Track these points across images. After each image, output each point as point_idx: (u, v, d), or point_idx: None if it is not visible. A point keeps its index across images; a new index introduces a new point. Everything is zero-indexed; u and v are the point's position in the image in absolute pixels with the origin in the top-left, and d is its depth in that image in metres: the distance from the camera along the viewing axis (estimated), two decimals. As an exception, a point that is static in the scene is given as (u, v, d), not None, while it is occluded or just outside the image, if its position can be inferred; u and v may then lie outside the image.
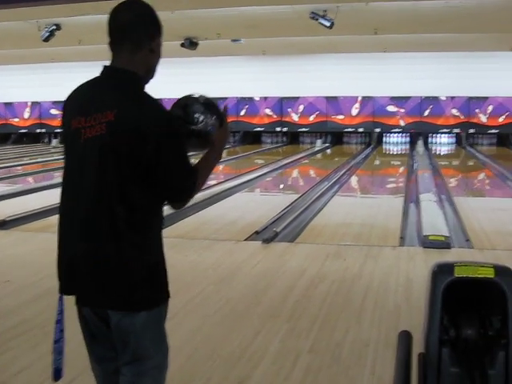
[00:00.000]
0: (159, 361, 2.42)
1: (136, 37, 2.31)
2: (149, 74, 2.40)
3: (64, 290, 2.40)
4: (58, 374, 2.45)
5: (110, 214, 2.24)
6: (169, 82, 24.45)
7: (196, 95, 2.51)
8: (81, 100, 2.36)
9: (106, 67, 2.36)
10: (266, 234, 7.23)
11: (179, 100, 2.50)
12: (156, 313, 2.35)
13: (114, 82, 2.32)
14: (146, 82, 2.40)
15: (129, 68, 2.31)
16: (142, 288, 2.30)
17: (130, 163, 2.22)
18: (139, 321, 2.31)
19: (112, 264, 2.26)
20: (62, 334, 2.45)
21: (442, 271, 2.53)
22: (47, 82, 24.79)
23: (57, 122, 24.87)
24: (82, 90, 2.40)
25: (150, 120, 2.23)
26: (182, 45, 18.03)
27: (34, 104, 26.11)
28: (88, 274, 2.29)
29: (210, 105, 2.47)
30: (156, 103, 2.33)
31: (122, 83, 2.31)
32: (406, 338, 2.66)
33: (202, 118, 2.42)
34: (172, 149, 2.30)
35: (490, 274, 2.46)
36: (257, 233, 7.45)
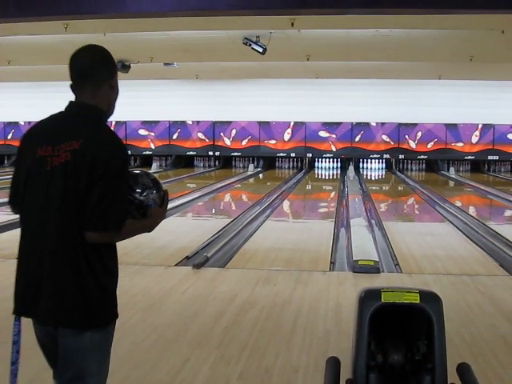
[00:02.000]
0: (101, 381, 2.50)
1: (98, 76, 2.55)
2: (110, 108, 2.61)
3: (20, 311, 2.49)
4: None
5: (73, 238, 2.38)
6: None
7: (147, 171, 2.73)
8: (47, 131, 2.51)
9: (71, 102, 2.56)
10: (197, 259, 7.18)
11: (131, 171, 2.59)
12: (105, 332, 2.47)
13: (79, 115, 2.50)
14: (108, 116, 2.60)
15: (92, 103, 2.51)
16: (96, 308, 2.43)
17: (87, 188, 2.35)
18: (88, 338, 2.41)
19: (71, 286, 2.38)
20: (19, 355, 2.51)
21: (368, 297, 2.54)
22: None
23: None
24: (48, 123, 2.57)
25: (108, 151, 2.40)
26: (115, 67, 17.87)
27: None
28: (48, 294, 2.39)
29: (156, 183, 2.67)
30: (115, 136, 2.51)
31: (86, 116, 2.50)
32: (333, 364, 2.66)
33: (146, 192, 2.57)
34: (114, 183, 2.39)
35: (415, 299, 2.48)
36: (187, 258, 7.39)
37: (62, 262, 2.39)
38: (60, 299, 2.39)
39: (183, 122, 24.43)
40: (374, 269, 6.80)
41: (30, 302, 2.44)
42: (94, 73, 2.54)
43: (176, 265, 7.11)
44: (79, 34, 12.44)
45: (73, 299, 2.38)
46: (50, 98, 24.46)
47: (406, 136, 23.54)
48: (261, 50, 13.81)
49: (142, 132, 24.71)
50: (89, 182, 2.34)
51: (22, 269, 2.49)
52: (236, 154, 24.11)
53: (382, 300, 2.51)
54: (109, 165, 2.36)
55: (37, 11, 9.20)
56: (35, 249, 2.44)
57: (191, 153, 24.62)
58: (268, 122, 23.71)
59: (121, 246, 7.71)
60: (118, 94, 2.65)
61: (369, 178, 22.07)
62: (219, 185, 17.38)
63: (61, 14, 9.45)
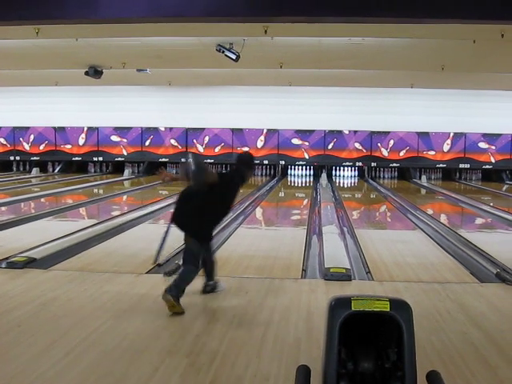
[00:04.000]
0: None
1: (247, 168, 6.17)
2: (245, 178, 6.16)
3: (175, 223, 5.81)
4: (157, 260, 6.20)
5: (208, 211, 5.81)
6: (73, 111, 24.12)
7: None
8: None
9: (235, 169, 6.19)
10: (168, 267, 7.13)
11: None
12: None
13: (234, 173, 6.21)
14: (244, 180, 6.19)
15: (242, 174, 6.11)
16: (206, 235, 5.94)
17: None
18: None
19: (200, 225, 5.77)
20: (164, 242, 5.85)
21: (339, 305, 2.53)
22: None
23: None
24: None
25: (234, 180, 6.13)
26: (86, 73, 17.76)
27: None
28: (191, 224, 5.77)
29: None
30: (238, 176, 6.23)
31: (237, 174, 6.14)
32: (303, 372, 2.64)
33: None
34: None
35: (385, 307, 2.48)
36: (159, 265, 7.33)
37: (200, 217, 5.75)
38: (195, 228, 5.75)
39: (156, 129, 24.37)
40: (345, 276, 6.80)
41: (182, 224, 5.78)
42: (247, 164, 6.21)
43: (147, 272, 7.05)
44: (51, 39, 12.35)
45: (198, 230, 5.77)
46: (18, 103, 24.38)
47: (379, 144, 23.72)
48: (234, 57, 13.83)
49: (115, 138, 24.60)
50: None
51: (182, 213, 5.85)
52: (209, 161, 24.06)
53: (352, 308, 2.50)
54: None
55: (7, 15, 9.11)
56: (189, 208, 5.78)
57: (164, 159, 24.55)
58: (241, 129, 23.75)
59: (91, 253, 7.67)
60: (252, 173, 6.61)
61: (341, 185, 22.15)
62: (192, 192, 17.26)
63: (31, 19, 9.37)
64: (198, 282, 6.64)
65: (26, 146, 25.09)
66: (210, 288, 6.23)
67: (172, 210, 5.94)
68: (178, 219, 5.84)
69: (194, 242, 5.76)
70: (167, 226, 5.78)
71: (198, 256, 5.77)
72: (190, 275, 5.70)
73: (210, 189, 5.67)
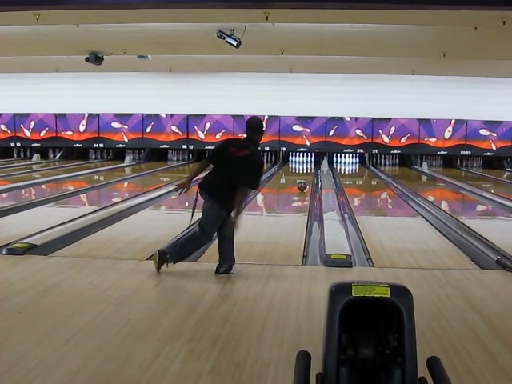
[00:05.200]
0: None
1: (258, 132, 6.47)
2: (259, 143, 6.50)
3: (202, 192, 6.36)
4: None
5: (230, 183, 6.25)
6: (73, 97, 24.06)
7: None
8: (235, 143, 6.69)
9: (248, 137, 6.46)
10: (169, 253, 7.12)
11: None
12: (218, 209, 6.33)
13: (250, 142, 6.41)
14: (258, 145, 6.53)
15: (256, 141, 6.47)
16: (225, 201, 6.29)
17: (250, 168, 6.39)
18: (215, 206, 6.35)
19: (223, 192, 6.24)
20: (194, 211, 6.49)
21: (339, 291, 2.53)
22: None
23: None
24: (235, 140, 7.32)
25: (258, 158, 6.55)
26: (87, 59, 17.70)
27: None
28: (216, 191, 6.29)
29: None
30: (260, 154, 6.85)
31: (252, 143, 6.40)
32: (304, 357, 2.64)
33: None
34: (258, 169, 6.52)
35: (385, 293, 2.48)
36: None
37: (226, 186, 6.22)
38: (217, 194, 6.24)
39: (157, 115, 24.32)
40: (346, 263, 6.80)
41: (209, 192, 6.29)
42: (257, 132, 6.45)
43: (148, 259, 7.04)
44: (51, 25, 12.31)
45: (221, 195, 6.21)
46: (18, 89, 24.33)
47: (380, 131, 23.69)
48: (235, 43, 13.78)
49: (116, 125, 24.56)
50: (249, 167, 6.26)
51: (212, 182, 6.34)
52: (210, 147, 23.96)
53: (353, 294, 2.50)
54: (259, 165, 6.50)
55: (7, 1, 9.07)
56: (220, 178, 6.29)
57: (165, 146, 24.54)
58: (242, 116, 23.63)
59: (92, 239, 7.66)
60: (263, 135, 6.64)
61: (342, 172, 22.14)
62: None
63: (31, 4, 9.33)
64: (205, 266, 6.68)
65: (27, 133, 25.07)
66: (223, 269, 6.33)
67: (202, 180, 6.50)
68: (204, 185, 6.38)
69: (212, 209, 6.25)
70: (196, 194, 6.42)
71: (213, 223, 6.32)
72: (196, 240, 6.51)
73: (242, 161, 6.27)
